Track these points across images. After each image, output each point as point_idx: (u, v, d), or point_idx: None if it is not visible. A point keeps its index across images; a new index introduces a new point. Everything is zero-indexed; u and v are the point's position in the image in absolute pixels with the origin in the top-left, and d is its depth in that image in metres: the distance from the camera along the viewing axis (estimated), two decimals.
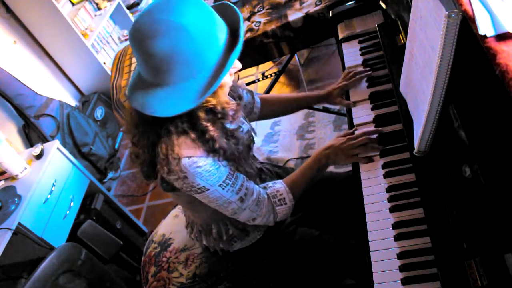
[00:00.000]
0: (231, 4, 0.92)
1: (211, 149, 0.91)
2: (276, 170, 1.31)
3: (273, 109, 1.34)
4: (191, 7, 0.81)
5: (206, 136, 0.90)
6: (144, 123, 0.92)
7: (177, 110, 0.85)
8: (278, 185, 1.07)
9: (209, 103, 0.89)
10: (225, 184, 0.95)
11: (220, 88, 0.91)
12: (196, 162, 0.89)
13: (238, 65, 0.95)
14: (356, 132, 1.10)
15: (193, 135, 0.89)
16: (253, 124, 1.20)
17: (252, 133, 1.13)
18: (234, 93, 1.17)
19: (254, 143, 1.14)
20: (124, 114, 1.01)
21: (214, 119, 0.92)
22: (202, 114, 0.89)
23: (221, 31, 0.86)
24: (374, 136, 1.06)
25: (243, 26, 0.88)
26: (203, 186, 0.92)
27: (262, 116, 1.35)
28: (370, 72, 1.25)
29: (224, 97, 0.94)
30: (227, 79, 0.92)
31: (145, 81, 0.88)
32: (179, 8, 0.80)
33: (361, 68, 1.28)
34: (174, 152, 0.88)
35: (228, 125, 0.98)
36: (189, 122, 0.89)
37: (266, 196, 1.04)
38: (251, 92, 1.29)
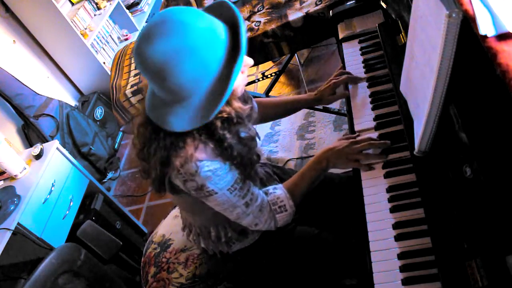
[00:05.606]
0: (227, 0, 0.90)
1: (229, 157, 0.92)
2: (276, 171, 1.30)
3: (266, 113, 1.33)
4: (189, 26, 0.80)
5: (224, 144, 0.91)
6: (156, 138, 0.92)
7: (195, 124, 0.87)
8: (279, 192, 1.06)
9: (224, 113, 0.90)
10: (233, 188, 0.95)
11: (232, 94, 0.90)
12: (208, 166, 0.90)
13: (249, 61, 0.94)
14: (360, 137, 1.07)
15: (211, 145, 0.91)
16: None
17: (256, 138, 1.12)
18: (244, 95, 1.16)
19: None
20: (132, 129, 1.00)
21: (230, 127, 0.92)
22: (218, 124, 0.90)
23: (221, 34, 0.85)
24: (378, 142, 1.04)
25: (243, 22, 0.85)
26: (212, 190, 0.93)
27: (258, 120, 1.33)
28: (360, 79, 1.24)
29: (237, 103, 0.93)
30: (238, 82, 0.91)
31: (162, 99, 0.89)
32: (179, 30, 0.80)
33: (362, 73, 1.27)
34: (189, 157, 0.89)
35: (242, 134, 0.98)
36: (206, 132, 0.90)
37: (267, 202, 1.04)
38: (250, 97, 1.28)
